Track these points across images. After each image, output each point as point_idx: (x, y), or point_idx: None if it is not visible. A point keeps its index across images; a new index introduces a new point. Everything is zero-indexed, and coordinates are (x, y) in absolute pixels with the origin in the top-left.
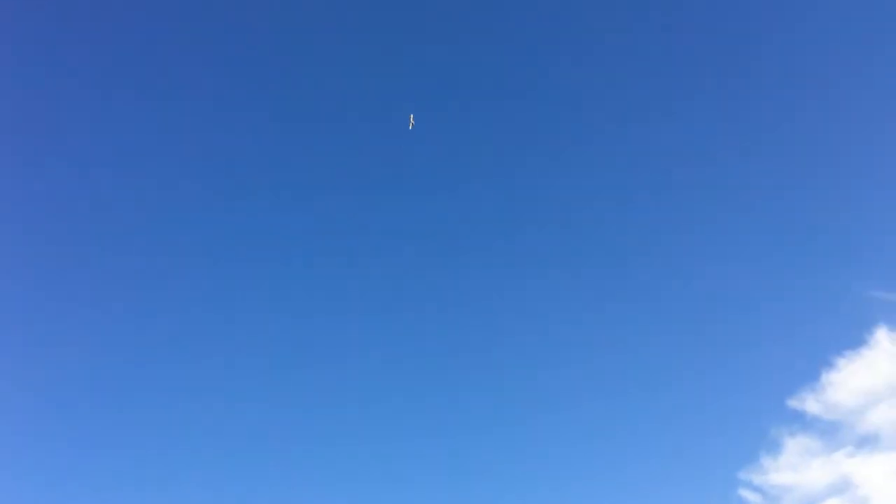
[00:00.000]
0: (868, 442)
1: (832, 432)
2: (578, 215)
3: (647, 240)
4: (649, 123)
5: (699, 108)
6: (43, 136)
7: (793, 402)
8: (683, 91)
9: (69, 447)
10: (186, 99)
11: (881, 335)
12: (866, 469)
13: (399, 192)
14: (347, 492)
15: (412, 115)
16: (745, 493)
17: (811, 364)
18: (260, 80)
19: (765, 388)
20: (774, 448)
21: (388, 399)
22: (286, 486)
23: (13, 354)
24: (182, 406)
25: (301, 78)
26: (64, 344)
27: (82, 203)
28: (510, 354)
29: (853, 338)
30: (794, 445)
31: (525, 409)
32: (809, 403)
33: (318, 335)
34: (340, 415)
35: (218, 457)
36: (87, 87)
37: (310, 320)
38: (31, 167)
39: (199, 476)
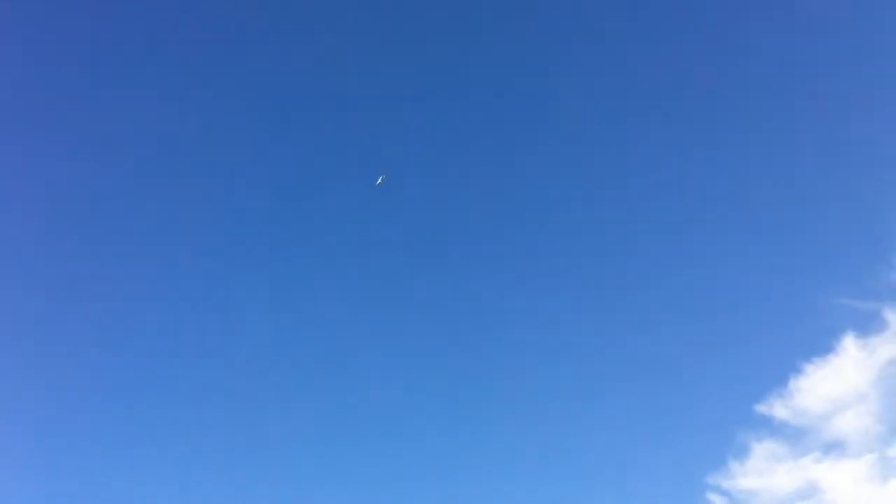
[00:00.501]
0: (835, 448)
1: (799, 438)
2: (562, 215)
3: (616, 247)
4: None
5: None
6: (42, 134)
7: (761, 408)
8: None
9: (69, 445)
10: (186, 98)
11: (849, 342)
12: (833, 475)
13: (398, 190)
14: (345, 490)
15: (382, 176)
16: (713, 497)
17: (779, 370)
18: (259, 77)
19: (733, 394)
20: (742, 453)
21: (384, 396)
22: (283, 484)
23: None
24: (180, 403)
25: (300, 76)
26: (62, 343)
27: (86, 202)
28: (482, 357)
29: (821, 345)
30: (762, 450)
31: (491, 413)
32: (777, 409)
33: (315, 333)
34: (337, 413)
35: (215, 455)
36: (87, 84)
37: (307, 319)
38: (28, 165)
39: (198, 473)
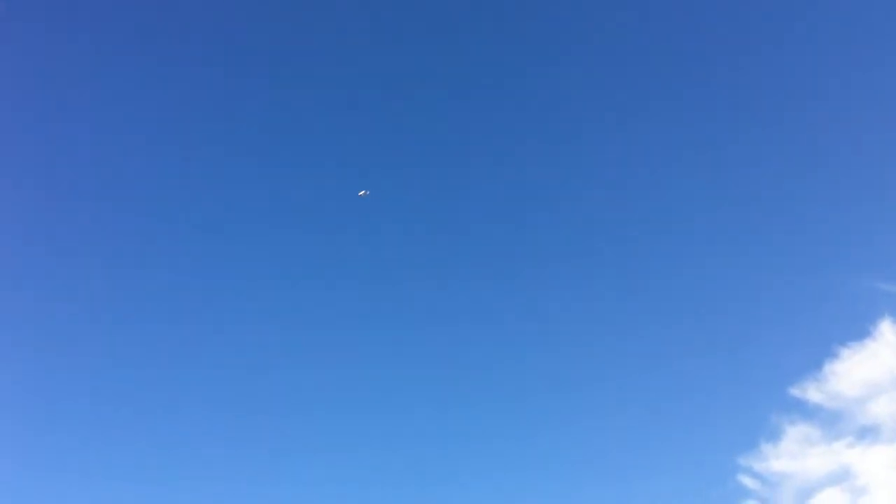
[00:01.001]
0: (869, 433)
1: (833, 422)
2: (578, 209)
3: (656, 233)
4: (651, 121)
5: (702, 104)
6: (38, 131)
7: (795, 391)
8: (687, 89)
9: (67, 446)
10: (184, 98)
11: (885, 327)
12: (866, 460)
13: (396, 189)
14: (344, 489)
15: (365, 191)
16: (745, 479)
17: (814, 353)
18: (260, 71)
19: (767, 376)
20: (775, 435)
21: (380, 391)
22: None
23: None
24: (177, 406)
25: (299, 75)
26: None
27: (85, 202)
28: (516, 341)
29: (857, 329)
30: (795, 433)
31: (527, 395)
32: (811, 392)
33: (314, 336)
34: (336, 415)
35: (212, 456)
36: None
37: (305, 319)
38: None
39: (196, 477)
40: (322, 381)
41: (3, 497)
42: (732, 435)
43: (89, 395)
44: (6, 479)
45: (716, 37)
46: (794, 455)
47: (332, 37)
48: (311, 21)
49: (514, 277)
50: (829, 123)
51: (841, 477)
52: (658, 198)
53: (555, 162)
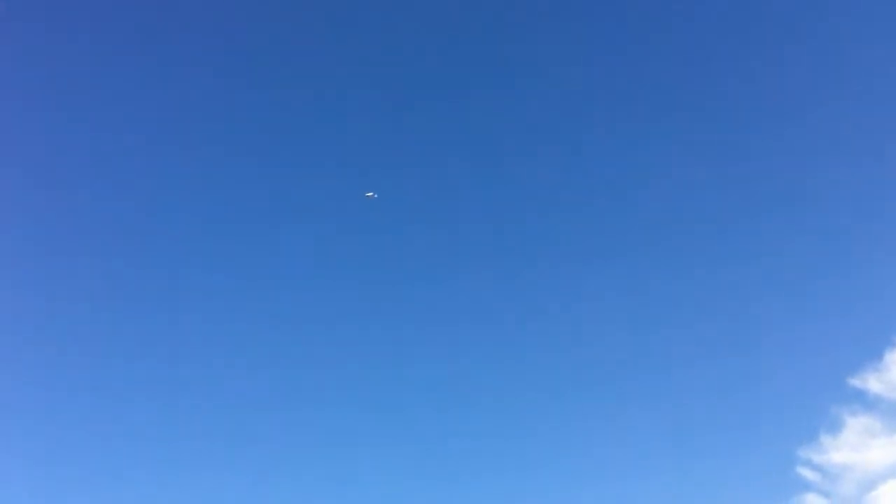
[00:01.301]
0: None
1: (894, 413)
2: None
3: (712, 223)
4: (651, 121)
5: (702, 104)
6: (38, 131)
7: (854, 381)
8: (687, 89)
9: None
10: (186, 100)
11: None
12: None
13: (399, 189)
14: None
15: (372, 193)
16: (805, 472)
17: (874, 343)
18: (260, 71)
19: (826, 366)
20: (835, 427)
21: (380, 390)
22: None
23: None
24: (177, 405)
25: (302, 71)
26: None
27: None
28: (516, 341)
29: None
30: (855, 424)
31: (579, 378)
32: (872, 383)
33: (314, 336)
34: (335, 414)
35: (212, 455)
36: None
37: (306, 321)
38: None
39: (196, 475)
40: (321, 381)
41: (4, 496)
42: (792, 427)
43: (88, 393)
44: (6, 478)
45: (716, 37)
46: (854, 447)
47: (331, 37)
48: (311, 21)
49: (514, 277)
50: (833, 122)
51: None
52: (658, 197)
53: (555, 162)
